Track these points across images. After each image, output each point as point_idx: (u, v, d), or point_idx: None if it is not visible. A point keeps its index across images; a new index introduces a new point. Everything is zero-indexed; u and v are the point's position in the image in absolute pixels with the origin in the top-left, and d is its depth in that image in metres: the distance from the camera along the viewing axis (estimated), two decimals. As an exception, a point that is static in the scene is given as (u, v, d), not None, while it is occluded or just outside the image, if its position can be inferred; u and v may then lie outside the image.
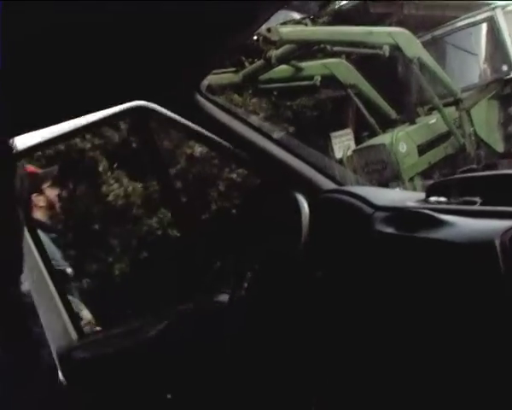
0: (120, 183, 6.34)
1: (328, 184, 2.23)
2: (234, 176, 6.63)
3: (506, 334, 1.24)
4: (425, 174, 7.37)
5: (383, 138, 7.28)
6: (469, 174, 2.51)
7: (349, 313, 1.80)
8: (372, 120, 7.62)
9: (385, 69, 7.61)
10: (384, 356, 1.66)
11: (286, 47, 6.32)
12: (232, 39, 1.85)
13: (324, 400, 1.93)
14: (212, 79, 5.83)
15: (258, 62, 6.59)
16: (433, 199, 1.72)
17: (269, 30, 5.73)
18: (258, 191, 2.65)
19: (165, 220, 6.19)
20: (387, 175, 7.08)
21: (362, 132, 8.30)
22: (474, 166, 7.52)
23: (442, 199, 1.69)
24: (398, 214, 1.69)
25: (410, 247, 1.54)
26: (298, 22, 7.31)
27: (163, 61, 1.80)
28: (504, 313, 1.24)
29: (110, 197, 6.29)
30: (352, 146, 8.18)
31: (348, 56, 7.60)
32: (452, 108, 7.64)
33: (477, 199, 1.56)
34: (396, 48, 6.89)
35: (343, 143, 8.35)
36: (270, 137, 2.29)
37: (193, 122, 2.29)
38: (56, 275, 2.83)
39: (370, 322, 1.71)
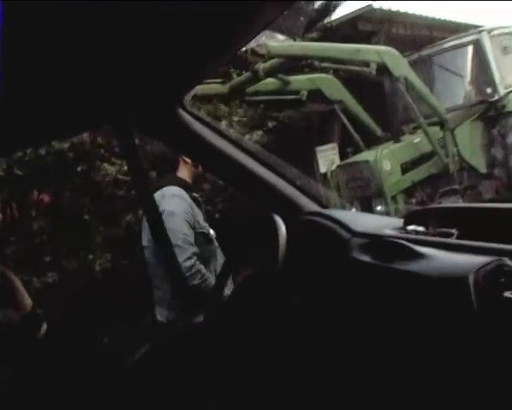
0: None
1: (310, 206, 2.22)
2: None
3: (479, 372, 1.23)
4: (408, 192, 7.40)
5: (367, 155, 7.30)
6: (448, 205, 2.52)
7: (323, 339, 1.79)
8: (357, 137, 7.64)
9: (371, 87, 7.63)
10: (355, 384, 1.66)
11: (273, 61, 6.31)
12: (216, 57, 1.84)
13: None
14: (199, 88, 5.83)
15: (246, 75, 6.57)
16: (410, 228, 1.72)
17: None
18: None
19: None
20: (370, 192, 7.09)
21: (347, 148, 8.32)
22: (457, 186, 7.58)
23: (420, 228, 1.69)
24: (375, 242, 1.68)
25: (385, 277, 1.53)
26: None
27: (146, 76, 1.79)
28: (476, 351, 1.23)
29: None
30: (337, 161, 8.20)
31: (336, 72, 7.61)
32: (437, 128, 7.69)
33: (454, 231, 1.57)
34: (383, 66, 6.92)
35: (328, 157, 8.37)
36: (252, 155, 2.28)
37: (174, 135, 2.28)
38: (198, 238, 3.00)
39: (343, 350, 1.70)
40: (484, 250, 1.33)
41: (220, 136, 2.24)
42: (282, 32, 7.03)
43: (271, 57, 6.15)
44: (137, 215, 6.20)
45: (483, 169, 8.26)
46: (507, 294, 1.18)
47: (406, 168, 7.36)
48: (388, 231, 1.75)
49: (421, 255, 1.43)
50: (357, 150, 7.74)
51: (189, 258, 2.91)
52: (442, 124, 7.70)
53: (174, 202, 3.05)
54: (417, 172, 7.49)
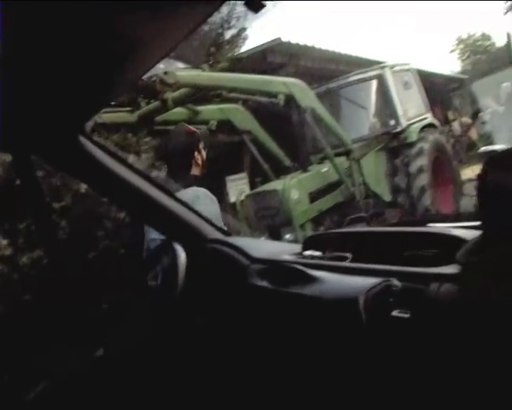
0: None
1: (213, 234, 2.23)
2: (122, 216, 6.42)
3: (367, 385, 1.27)
4: (316, 221, 7.54)
5: (276, 185, 7.37)
6: (343, 230, 2.60)
7: (223, 361, 1.79)
8: (266, 166, 7.71)
9: (280, 117, 7.77)
10: (257, 403, 1.67)
11: (182, 90, 6.30)
12: (116, 84, 1.83)
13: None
14: (106, 117, 5.74)
15: (154, 104, 6.49)
16: (307, 253, 1.75)
17: (165, 72, 5.73)
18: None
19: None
20: (279, 221, 7.15)
21: (256, 178, 8.39)
22: (363, 214, 7.80)
23: (316, 253, 1.73)
24: (272, 268, 1.71)
25: (282, 301, 1.56)
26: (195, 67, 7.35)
27: (45, 102, 1.76)
28: (365, 366, 1.27)
29: None
30: (247, 190, 8.25)
31: (245, 103, 7.70)
32: (343, 158, 7.92)
33: (348, 254, 1.62)
34: (291, 97, 7.07)
35: (238, 186, 8.42)
36: (154, 183, 2.26)
37: (75, 163, 2.22)
38: None
39: (244, 371, 1.71)
40: (374, 272, 1.38)
41: (122, 163, 2.21)
42: (180, 59, 7.04)
43: (180, 87, 6.15)
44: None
45: (387, 197, 8.58)
46: (394, 313, 1.22)
47: (314, 197, 7.49)
48: (286, 257, 1.78)
49: (315, 279, 1.47)
50: (266, 180, 7.79)
51: None
52: (348, 154, 7.95)
53: (210, 205, 3.01)
54: (325, 200, 7.63)
